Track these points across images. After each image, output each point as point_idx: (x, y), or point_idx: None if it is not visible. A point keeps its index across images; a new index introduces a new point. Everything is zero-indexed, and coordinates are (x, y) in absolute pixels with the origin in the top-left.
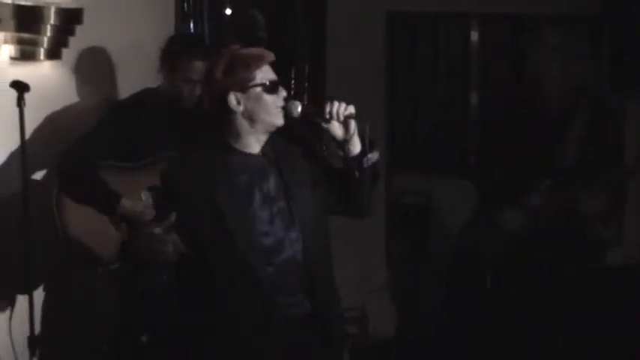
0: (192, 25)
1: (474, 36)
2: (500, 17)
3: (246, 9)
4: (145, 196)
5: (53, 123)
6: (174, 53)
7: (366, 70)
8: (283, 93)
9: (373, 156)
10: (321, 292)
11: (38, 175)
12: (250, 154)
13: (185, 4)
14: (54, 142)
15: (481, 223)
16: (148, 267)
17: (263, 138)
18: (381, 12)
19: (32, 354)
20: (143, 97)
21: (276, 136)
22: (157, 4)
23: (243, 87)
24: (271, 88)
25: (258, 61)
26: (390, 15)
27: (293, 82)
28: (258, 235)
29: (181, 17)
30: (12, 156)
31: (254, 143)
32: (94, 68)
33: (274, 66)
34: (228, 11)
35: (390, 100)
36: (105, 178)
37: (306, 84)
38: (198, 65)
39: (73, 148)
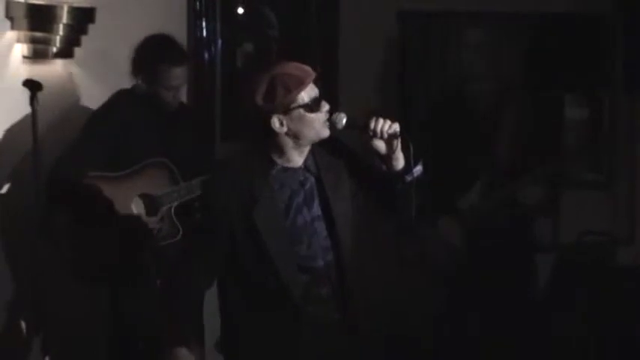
0: (204, 23)
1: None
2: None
3: (259, 8)
4: (137, 205)
5: (66, 121)
6: (151, 61)
7: (378, 69)
8: (326, 107)
9: (417, 170)
10: (353, 303)
11: None
12: (292, 168)
13: (197, 3)
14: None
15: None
16: None
17: (306, 150)
18: (393, 11)
19: (44, 354)
20: (119, 101)
21: (318, 147)
22: (169, 2)
23: (286, 110)
24: (314, 106)
25: (299, 84)
26: (401, 14)
27: None
28: (293, 243)
29: (193, 16)
30: (25, 155)
31: (297, 157)
32: (106, 67)
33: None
34: (241, 10)
35: (401, 99)
36: (92, 190)
37: (319, 83)
38: (179, 71)
39: (58, 161)
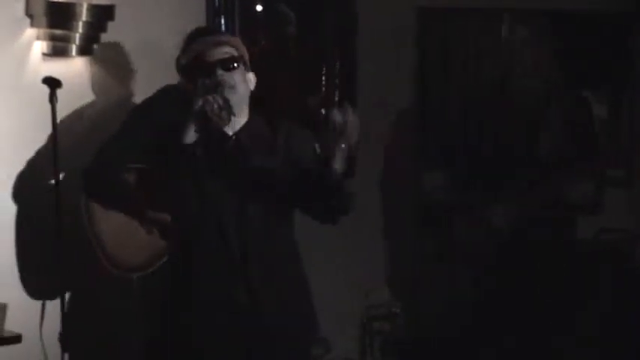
0: (222, 20)
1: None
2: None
3: (277, 5)
4: None
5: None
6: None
7: (397, 65)
8: (223, 76)
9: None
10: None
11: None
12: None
13: (216, 0)
14: (85, 140)
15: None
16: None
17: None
18: (413, 7)
19: (64, 350)
20: (164, 95)
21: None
22: (188, 0)
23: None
24: (203, 69)
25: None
26: (421, 10)
27: (324, 79)
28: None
29: (212, 13)
30: (44, 151)
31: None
32: (125, 64)
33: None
34: (259, 7)
35: (421, 96)
36: (133, 181)
37: (337, 81)
38: None
39: (98, 154)
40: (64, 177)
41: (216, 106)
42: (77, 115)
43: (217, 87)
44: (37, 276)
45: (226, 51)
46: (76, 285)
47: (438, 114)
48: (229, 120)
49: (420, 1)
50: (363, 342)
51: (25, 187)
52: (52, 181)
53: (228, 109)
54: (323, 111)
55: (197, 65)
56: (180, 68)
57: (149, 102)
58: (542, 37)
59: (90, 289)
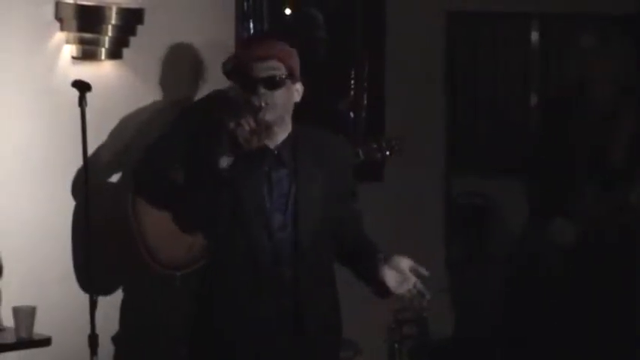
0: (251, 24)
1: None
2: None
3: (306, 8)
4: None
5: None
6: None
7: (426, 69)
8: (263, 95)
9: None
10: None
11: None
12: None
13: (245, 4)
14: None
15: (530, 234)
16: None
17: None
18: (442, 11)
19: (93, 353)
20: (213, 99)
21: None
22: (217, 3)
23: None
24: (248, 86)
25: (253, 50)
26: (450, 15)
27: (353, 82)
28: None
29: (241, 17)
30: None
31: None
32: (155, 68)
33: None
34: (288, 11)
35: (450, 99)
36: (180, 181)
37: (366, 84)
38: None
39: (146, 155)
40: (119, 178)
41: (247, 128)
42: (126, 120)
43: (255, 110)
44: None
45: (272, 66)
46: (124, 283)
47: (468, 117)
48: (258, 144)
49: (448, 6)
50: (392, 345)
51: (79, 187)
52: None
53: (259, 134)
54: None
55: (240, 77)
56: (226, 73)
57: (196, 105)
58: (608, 43)
59: (134, 287)
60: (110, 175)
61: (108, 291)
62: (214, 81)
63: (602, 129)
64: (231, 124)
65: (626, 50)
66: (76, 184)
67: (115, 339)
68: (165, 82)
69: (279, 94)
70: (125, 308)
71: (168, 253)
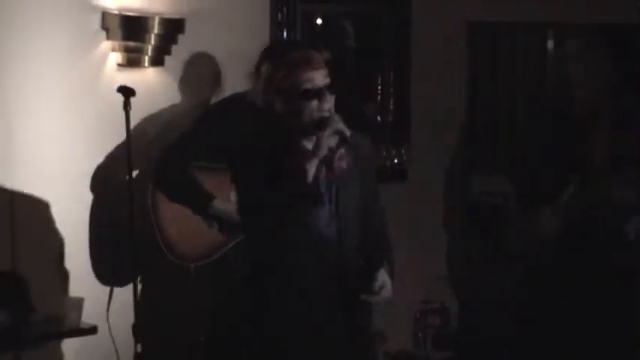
0: (285, 34)
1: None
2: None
3: (337, 19)
4: (234, 196)
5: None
6: (284, 52)
7: (448, 75)
8: (328, 100)
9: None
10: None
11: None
12: None
13: (279, 14)
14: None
15: (516, 224)
16: None
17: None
18: (463, 21)
19: (136, 341)
20: (232, 102)
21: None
22: (253, 14)
23: (283, 90)
24: (310, 95)
25: (303, 63)
26: (470, 24)
27: (379, 88)
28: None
29: (276, 26)
30: (117, 151)
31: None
32: (194, 74)
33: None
34: (319, 21)
35: (470, 104)
36: (197, 179)
37: (392, 89)
38: None
39: (169, 150)
40: (137, 174)
41: (337, 157)
42: (150, 119)
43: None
44: (108, 264)
45: (326, 74)
46: (145, 273)
47: (487, 120)
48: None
49: (469, 16)
50: (416, 334)
51: (101, 182)
52: (126, 178)
53: (346, 160)
54: None
55: (290, 85)
56: (266, 79)
57: (216, 108)
58: (587, 49)
59: (156, 277)
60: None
61: (127, 281)
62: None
63: (583, 129)
64: (322, 150)
65: (606, 57)
66: (95, 178)
67: (134, 327)
68: (202, 87)
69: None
70: (142, 297)
71: (185, 246)
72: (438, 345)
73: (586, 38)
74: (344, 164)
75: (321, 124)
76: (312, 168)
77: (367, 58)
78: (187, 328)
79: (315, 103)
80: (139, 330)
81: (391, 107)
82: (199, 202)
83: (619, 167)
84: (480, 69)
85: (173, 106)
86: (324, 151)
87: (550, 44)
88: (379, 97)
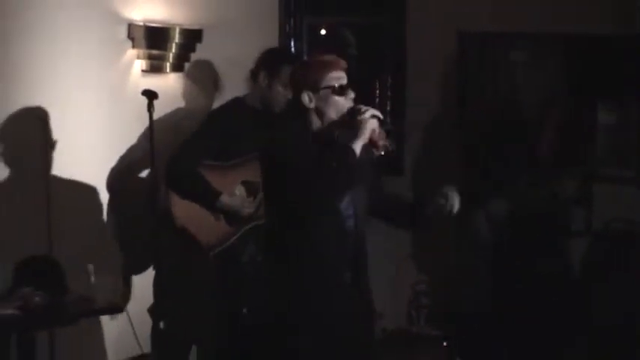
0: (292, 43)
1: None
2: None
3: (340, 29)
4: (239, 190)
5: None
6: (277, 62)
7: (441, 80)
8: (352, 95)
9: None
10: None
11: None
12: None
13: (287, 26)
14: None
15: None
16: None
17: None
18: (454, 32)
19: (155, 322)
20: (233, 105)
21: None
22: (263, 25)
23: (314, 88)
24: (340, 90)
25: (329, 67)
26: (460, 34)
27: (378, 91)
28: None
29: (284, 36)
30: (135, 150)
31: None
32: (210, 80)
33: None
34: (323, 31)
35: (460, 109)
36: (204, 176)
37: (389, 93)
38: None
39: (178, 152)
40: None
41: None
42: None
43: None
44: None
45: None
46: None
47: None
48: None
49: (460, 27)
50: (410, 313)
51: (119, 179)
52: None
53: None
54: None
55: (318, 84)
56: (297, 81)
57: (219, 111)
58: (555, 56)
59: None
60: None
61: (145, 267)
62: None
63: (531, 130)
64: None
65: (553, 65)
66: (112, 174)
67: (150, 310)
68: (219, 90)
69: None
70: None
71: (198, 234)
72: (429, 323)
73: (535, 48)
74: (385, 141)
75: (352, 112)
76: (358, 148)
77: (367, 64)
78: (202, 309)
79: (342, 98)
80: (156, 312)
81: (388, 109)
82: (208, 199)
83: (565, 164)
84: (468, 75)
85: (179, 110)
86: (368, 133)
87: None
88: (377, 100)
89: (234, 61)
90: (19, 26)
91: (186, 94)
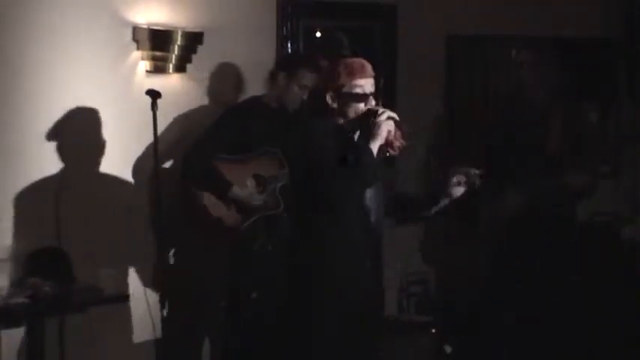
0: (289, 45)
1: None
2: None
3: (334, 32)
4: (250, 183)
5: (179, 124)
6: (296, 65)
7: (428, 82)
8: (372, 103)
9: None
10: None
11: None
12: None
13: (284, 29)
14: (183, 140)
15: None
16: None
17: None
18: (442, 35)
19: (162, 307)
20: (251, 103)
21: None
22: (262, 28)
23: (339, 91)
24: (359, 98)
25: (355, 73)
26: (449, 37)
27: None
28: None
29: (281, 39)
30: (147, 149)
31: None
32: (211, 80)
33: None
34: (318, 34)
35: (447, 108)
36: (218, 169)
37: (380, 95)
38: (312, 76)
39: (194, 146)
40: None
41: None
42: (178, 120)
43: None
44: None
45: (372, 84)
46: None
47: (463, 118)
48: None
49: (449, 30)
50: (401, 301)
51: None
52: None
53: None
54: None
55: (348, 90)
56: (330, 77)
57: (236, 107)
58: (547, 58)
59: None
60: (165, 162)
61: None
62: (258, 90)
63: (537, 126)
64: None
65: (555, 65)
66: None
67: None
68: (218, 90)
69: None
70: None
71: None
72: (419, 310)
73: (540, 49)
74: (400, 141)
75: (369, 113)
76: (375, 148)
77: None
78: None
79: (362, 105)
80: (164, 298)
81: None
82: (220, 189)
83: (568, 160)
84: (457, 75)
85: (200, 108)
86: (384, 134)
87: (513, 54)
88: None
89: (233, 63)
90: (26, 29)
91: (210, 93)
